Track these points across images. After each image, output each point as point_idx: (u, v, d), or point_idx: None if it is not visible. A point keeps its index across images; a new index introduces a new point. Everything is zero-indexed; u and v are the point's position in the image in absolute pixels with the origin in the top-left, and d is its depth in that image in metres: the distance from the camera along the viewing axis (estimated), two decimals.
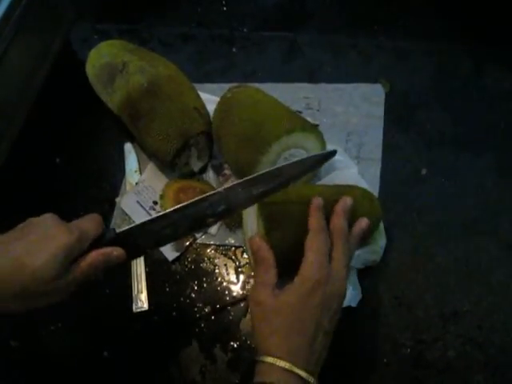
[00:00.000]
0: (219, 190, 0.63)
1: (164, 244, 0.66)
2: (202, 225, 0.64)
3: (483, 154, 0.85)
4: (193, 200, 0.62)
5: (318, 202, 0.62)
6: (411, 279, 0.76)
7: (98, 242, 0.60)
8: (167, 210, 0.62)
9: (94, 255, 0.59)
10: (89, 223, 0.61)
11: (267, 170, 0.64)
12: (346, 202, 0.63)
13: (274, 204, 0.66)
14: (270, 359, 0.55)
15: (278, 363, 0.54)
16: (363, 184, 0.78)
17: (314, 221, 0.61)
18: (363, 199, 0.70)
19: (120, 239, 0.61)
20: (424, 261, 0.77)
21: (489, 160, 0.84)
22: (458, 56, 0.96)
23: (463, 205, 0.81)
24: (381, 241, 0.75)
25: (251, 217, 0.70)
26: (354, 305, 0.71)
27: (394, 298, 0.75)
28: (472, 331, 0.71)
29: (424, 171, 0.84)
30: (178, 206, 0.62)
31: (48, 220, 0.59)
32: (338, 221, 0.62)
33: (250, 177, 0.63)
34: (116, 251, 0.61)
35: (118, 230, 0.61)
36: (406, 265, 0.77)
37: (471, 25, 0.98)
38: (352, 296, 0.72)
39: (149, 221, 0.62)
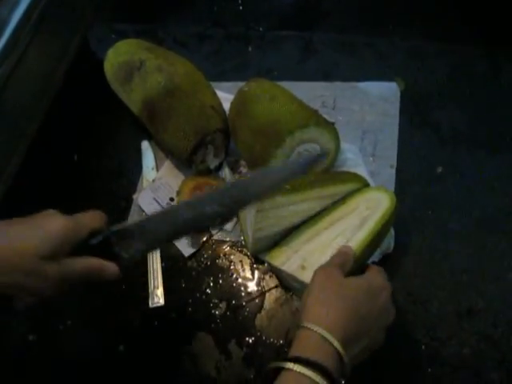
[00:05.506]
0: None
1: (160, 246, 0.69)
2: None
3: (498, 152, 0.85)
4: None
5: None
6: (426, 276, 0.76)
7: (93, 237, 0.60)
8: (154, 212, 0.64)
9: (92, 261, 0.60)
10: (87, 217, 0.62)
11: None
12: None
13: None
14: (313, 326, 0.54)
15: (318, 330, 0.54)
16: (371, 183, 0.78)
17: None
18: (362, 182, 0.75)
19: (114, 238, 0.61)
20: (438, 258, 0.77)
21: (504, 158, 0.84)
22: (474, 55, 0.95)
23: (478, 203, 0.81)
24: None
25: (250, 217, 0.72)
26: None
27: (408, 295, 0.75)
28: (487, 329, 0.71)
29: (440, 169, 0.84)
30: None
31: (49, 212, 0.60)
32: None
33: None
34: (113, 268, 0.61)
35: (114, 228, 0.61)
36: (421, 262, 0.77)
37: (487, 24, 0.97)
38: None
39: (145, 219, 0.64)
